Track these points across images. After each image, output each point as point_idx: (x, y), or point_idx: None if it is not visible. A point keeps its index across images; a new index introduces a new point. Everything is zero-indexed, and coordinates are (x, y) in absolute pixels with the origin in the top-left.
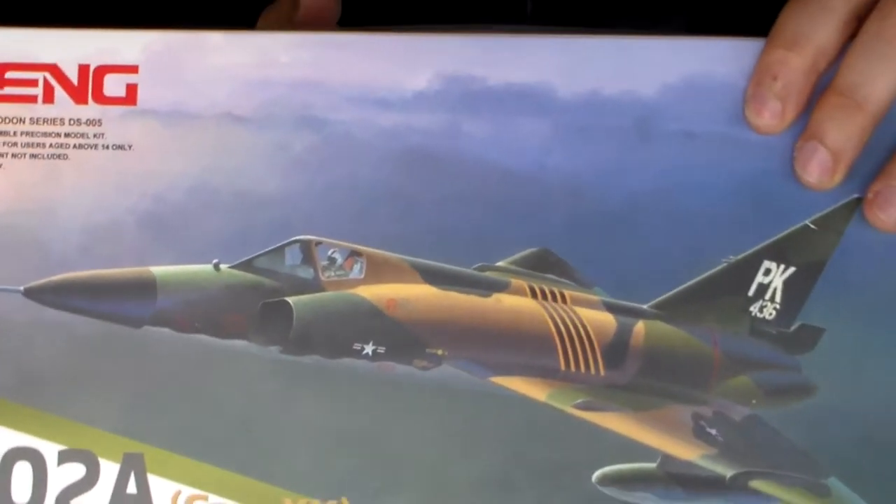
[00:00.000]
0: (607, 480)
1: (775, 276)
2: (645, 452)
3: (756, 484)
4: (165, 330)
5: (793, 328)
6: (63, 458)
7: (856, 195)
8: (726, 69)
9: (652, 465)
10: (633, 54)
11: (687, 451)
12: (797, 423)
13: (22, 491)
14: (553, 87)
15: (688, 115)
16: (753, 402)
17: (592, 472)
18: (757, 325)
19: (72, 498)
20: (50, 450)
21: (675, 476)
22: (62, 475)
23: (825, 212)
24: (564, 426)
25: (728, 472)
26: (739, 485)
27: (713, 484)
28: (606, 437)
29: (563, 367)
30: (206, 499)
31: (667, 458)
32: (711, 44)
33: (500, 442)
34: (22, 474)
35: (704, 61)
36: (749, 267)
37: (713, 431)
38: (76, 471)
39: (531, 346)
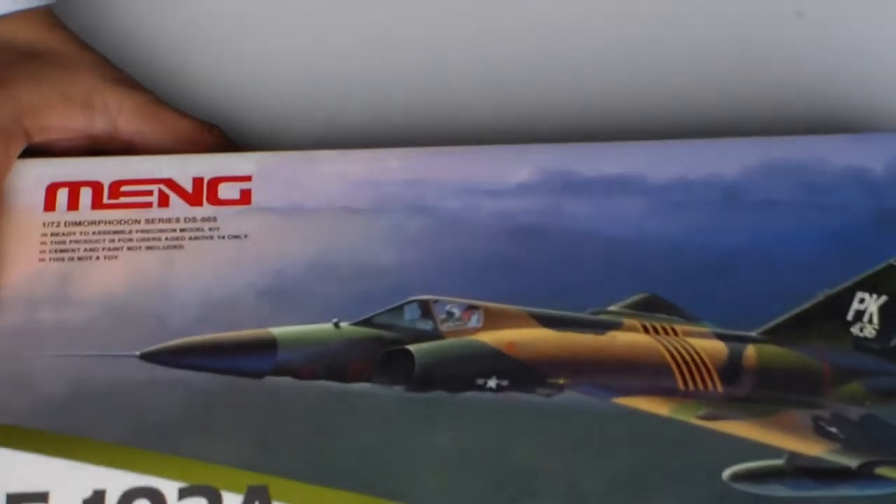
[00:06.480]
0: (738, 478)
1: (870, 303)
2: (770, 452)
3: (883, 470)
4: (287, 379)
5: (894, 343)
6: (184, 493)
7: None
8: (797, 155)
9: (780, 462)
10: (712, 148)
11: (811, 448)
12: None
13: None
14: (643, 176)
15: (768, 188)
16: (868, 403)
17: (722, 471)
18: (860, 343)
19: None
20: (170, 487)
21: (803, 469)
22: None
23: None
24: (690, 434)
25: (853, 462)
26: (867, 472)
27: (841, 473)
28: (731, 441)
29: (681, 386)
30: None
31: (793, 455)
32: (778, 141)
33: (629, 449)
34: None
35: (777, 150)
36: (844, 297)
37: (833, 430)
38: None
39: (649, 371)
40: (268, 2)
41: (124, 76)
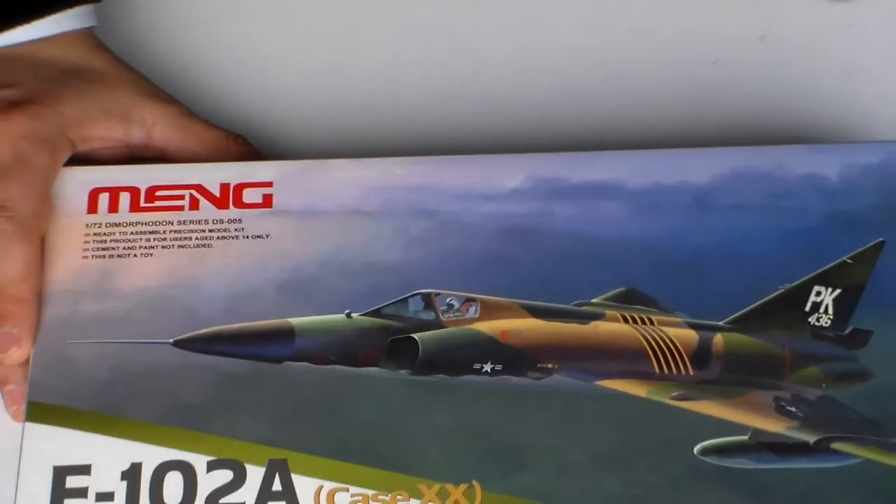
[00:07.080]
0: (707, 452)
1: (825, 296)
2: (736, 429)
3: (837, 445)
4: (304, 364)
5: (847, 331)
6: (211, 466)
7: (881, 238)
8: (761, 164)
9: (744, 438)
10: (684, 157)
11: (773, 425)
12: (862, 400)
13: (173, 494)
14: (623, 182)
15: (735, 193)
16: (823, 385)
17: (693, 447)
18: (817, 331)
19: (221, 497)
20: (199, 461)
21: (766, 444)
22: (211, 480)
23: (858, 251)
24: (665, 414)
25: (811, 438)
26: (823, 447)
27: (800, 448)
28: (701, 419)
29: (657, 370)
30: (346, 490)
31: (756, 432)
32: (744, 150)
33: (609, 428)
34: (173, 482)
35: (743, 159)
36: (803, 290)
37: (793, 409)
38: (224, 476)
39: (627, 357)
40: (289, 27)
41: (158, 91)
